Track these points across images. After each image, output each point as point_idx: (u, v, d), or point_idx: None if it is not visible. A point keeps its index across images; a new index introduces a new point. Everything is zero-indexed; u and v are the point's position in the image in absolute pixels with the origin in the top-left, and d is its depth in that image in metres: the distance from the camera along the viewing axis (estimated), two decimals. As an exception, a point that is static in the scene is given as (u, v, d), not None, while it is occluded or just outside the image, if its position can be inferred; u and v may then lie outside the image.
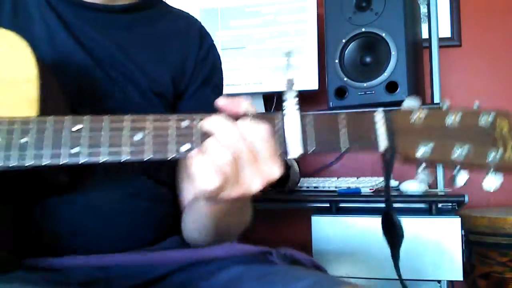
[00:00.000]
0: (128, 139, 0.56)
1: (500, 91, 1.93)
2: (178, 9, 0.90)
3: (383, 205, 1.82)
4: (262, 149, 0.54)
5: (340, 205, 1.51)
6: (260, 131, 0.54)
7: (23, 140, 0.57)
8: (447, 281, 1.39)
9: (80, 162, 0.56)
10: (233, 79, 1.84)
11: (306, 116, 0.56)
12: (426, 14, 1.75)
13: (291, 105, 0.57)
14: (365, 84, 1.55)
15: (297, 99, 0.57)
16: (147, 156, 0.56)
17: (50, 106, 0.63)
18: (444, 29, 1.97)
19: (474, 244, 1.64)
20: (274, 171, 0.55)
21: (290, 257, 0.72)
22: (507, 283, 1.57)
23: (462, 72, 1.99)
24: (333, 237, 1.45)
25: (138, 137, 0.56)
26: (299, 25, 1.80)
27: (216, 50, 0.89)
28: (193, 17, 0.91)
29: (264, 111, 1.86)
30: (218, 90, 0.88)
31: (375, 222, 1.42)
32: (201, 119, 0.56)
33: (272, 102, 1.91)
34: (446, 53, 1.93)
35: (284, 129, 0.56)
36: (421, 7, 1.83)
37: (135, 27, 0.81)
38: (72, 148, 0.56)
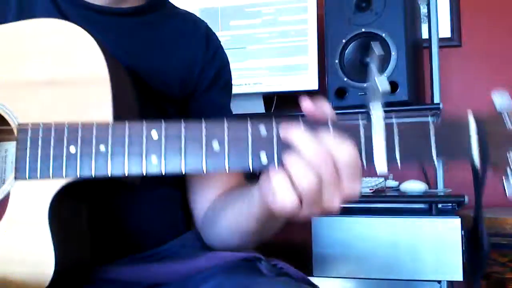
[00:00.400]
0: (205, 149, 0.54)
1: (500, 91, 1.93)
2: (184, 10, 0.89)
3: (382, 205, 1.79)
4: (347, 169, 0.51)
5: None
6: (346, 150, 0.51)
7: (99, 149, 0.55)
8: (447, 281, 1.39)
9: (157, 172, 0.54)
10: (233, 79, 1.84)
11: (393, 126, 0.52)
12: (426, 14, 1.75)
13: (377, 115, 0.52)
14: (365, 84, 1.55)
15: (383, 109, 0.52)
16: (226, 166, 0.53)
17: (122, 107, 0.60)
18: (444, 29, 1.97)
19: (474, 244, 1.63)
20: (356, 189, 0.52)
21: (279, 269, 0.68)
22: (507, 283, 1.56)
23: (462, 72, 1.99)
24: (333, 237, 1.44)
25: (215, 147, 0.53)
26: (299, 25, 1.80)
27: (223, 51, 0.88)
28: (199, 18, 0.89)
29: (264, 111, 1.86)
30: (226, 90, 0.88)
31: (375, 222, 1.42)
32: (279, 127, 0.52)
33: (272, 102, 1.91)
34: (446, 53, 1.93)
35: (371, 142, 0.52)
36: (421, 7, 1.83)
37: (141, 30, 0.80)
38: (150, 156, 0.54)
